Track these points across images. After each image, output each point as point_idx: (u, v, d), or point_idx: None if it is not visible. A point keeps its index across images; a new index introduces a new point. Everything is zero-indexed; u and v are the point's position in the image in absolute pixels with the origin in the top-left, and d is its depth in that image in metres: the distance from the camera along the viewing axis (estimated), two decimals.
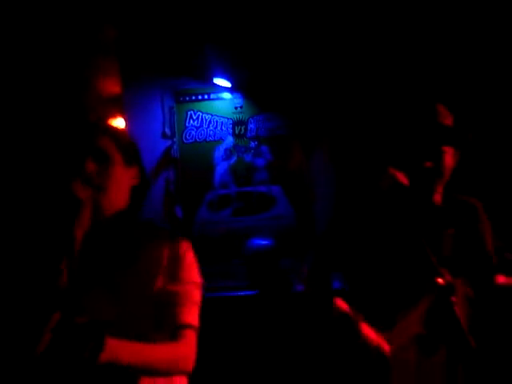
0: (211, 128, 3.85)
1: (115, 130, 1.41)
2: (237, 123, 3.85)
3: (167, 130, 3.80)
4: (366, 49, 3.50)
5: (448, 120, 1.52)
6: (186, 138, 3.84)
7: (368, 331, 1.43)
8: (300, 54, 3.65)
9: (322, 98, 3.75)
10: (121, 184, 1.34)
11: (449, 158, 1.50)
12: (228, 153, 3.83)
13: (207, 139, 3.85)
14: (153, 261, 1.33)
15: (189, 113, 3.85)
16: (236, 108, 3.85)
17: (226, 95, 3.84)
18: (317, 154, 3.79)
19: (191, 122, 3.85)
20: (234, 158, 3.83)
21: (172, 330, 1.30)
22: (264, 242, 3.40)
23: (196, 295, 1.38)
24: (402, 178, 1.36)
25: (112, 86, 2.34)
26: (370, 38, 3.45)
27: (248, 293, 3.29)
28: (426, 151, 1.48)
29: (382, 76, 3.48)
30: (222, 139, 3.85)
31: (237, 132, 3.84)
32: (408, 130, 1.52)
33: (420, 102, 1.56)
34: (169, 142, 3.78)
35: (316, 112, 3.76)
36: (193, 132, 3.85)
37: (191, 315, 1.35)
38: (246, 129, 3.84)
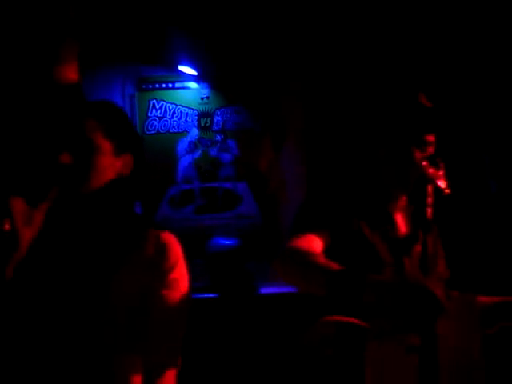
0: (175, 119, 3.75)
1: (107, 111, 1.31)
2: (202, 115, 3.75)
3: None
4: (340, 37, 3.48)
5: (429, 105, 1.52)
6: (147, 129, 3.72)
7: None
8: (271, 42, 3.60)
9: (293, 89, 3.71)
10: (105, 175, 1.25)
11: (431, 148, 1.49)
12: (192, 146, 3.75)
13: (171, 130, 3.74)
14: (137, 265, 1.25)
15: (151, 102, 3.73)
16: (202, 99, 3.75)
17: (192, 84, 3.73)
18: (286, 150, 3.76)
19: (154, 111, 3.72)
20: (199, 152, 3.74)
21: (153, 367, 1.24)
22: (228, 242, 3.36)
23: (182, 326, 1.33)
24: None
25: (69, 72, 2.24)
26: (345, 24, 3.43)
27: (209, 295, 3.25)
28: (412, 141, 1.46)
29: (356, 66, 3.48)
30: (186, 131, 3.74)
31: (202, 124, 3.75)
32: (387, 120, 1.51)
33: (400, 90, 1.55)
34: None
35: (287, 105, 3.73)
36: (155, 122, 3.74)
37: (175, 357, 1.28)
38: (212, 121, 3.75)
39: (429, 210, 1.36)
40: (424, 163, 1.38)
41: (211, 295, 3.21)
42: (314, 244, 1.45)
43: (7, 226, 1.12)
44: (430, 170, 1.37)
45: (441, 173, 1.38)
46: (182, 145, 3.74)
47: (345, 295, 1.19)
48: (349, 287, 1.18)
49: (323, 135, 3.58)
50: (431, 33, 3.30)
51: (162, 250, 1.28)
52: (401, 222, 1.54)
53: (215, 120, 3.76)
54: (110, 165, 1.25)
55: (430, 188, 1.33)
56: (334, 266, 1.26)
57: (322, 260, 1.33)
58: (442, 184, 1.32)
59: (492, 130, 3.21)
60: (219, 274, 3.26)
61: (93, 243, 1.24)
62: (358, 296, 1.17)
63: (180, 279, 1.30)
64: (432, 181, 1.33)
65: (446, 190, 1.33)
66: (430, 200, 1.35)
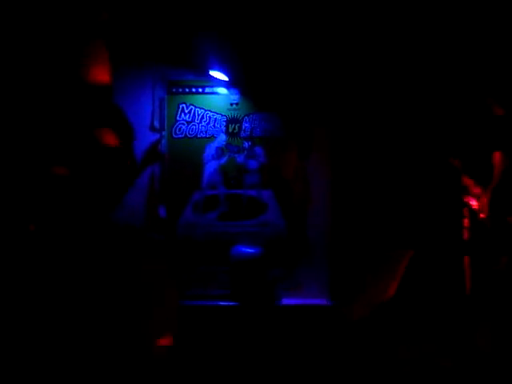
0: (203, 124, 3.78)
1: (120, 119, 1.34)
2: (231, 121, 3.78)
3: (156, 123, 3.74)
4: (367, 50, 3.48)
5: (499, 112, 1.46)
6: (175, 133, 3.75)
7: None
8: (301, 53, 3.62)
9: (321, 99, 3.72)
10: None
11: (497, 156, 1.43)
12: (219, 152, 3.77)
13: (198, 135, 3.77)
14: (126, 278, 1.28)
15: (181, 106, 3.76)
16: (231, 104, 3.77)
17: (222, 90, 3.76)
18: (313, 159, 3.76)
19: (182, 115, 3.75)
20: (226, 158, 3.76)
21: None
22: (251, 251, 3.37)
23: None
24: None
25: (101, 74, 2.28)
26: (372, 37, 3.43)
27: (230, 303, 3.26)
28: (474, 151, 1.42)
29: (383, 77, 3.46)
30: (214, 136, 3.76)
31: (230, 130, 3.77)
32: (455, 127, 1.47)
33: (464, 95, 1.51)
34: (157, 136, 3.72)
35: (315, 114, 3.74)
36: (183, 127, 3.78)
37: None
38: (240, 127, 3.77)
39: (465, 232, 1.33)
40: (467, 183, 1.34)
41: (232, 303, 3.21)
42: None
43: (32, 227, 1.16)
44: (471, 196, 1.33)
45: (478, 195, 1.36)
46: (209, 150, 3.76)
47: None
48: None
49: (349, 145, 3.57)
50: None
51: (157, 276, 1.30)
52: None
53: (243, 126, 3.77)
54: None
55: (466, 210, 1.31)
56: None
57: None
58: (474, 204, 1.30)
59: None
60: (241, 282, 3.26)
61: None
62: None
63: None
64: (468, 204, 1.31)
65: (481, 214, 1.30)
66: (466, 222, 1.32)
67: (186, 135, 3.77)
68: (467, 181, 1.35)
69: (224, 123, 3.77)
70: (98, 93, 1.99)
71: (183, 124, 3.77)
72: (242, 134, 3.77)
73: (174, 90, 3.77)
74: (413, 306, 1.42)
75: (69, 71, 1.92)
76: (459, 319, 1.25)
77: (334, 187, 3.67)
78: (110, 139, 1.28)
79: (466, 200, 1.32)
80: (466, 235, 1.29)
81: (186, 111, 3.77)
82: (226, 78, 3.71)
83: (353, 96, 3.60)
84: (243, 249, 3.38)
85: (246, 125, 3.77)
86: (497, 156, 1.44)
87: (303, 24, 3.51)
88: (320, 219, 3.62)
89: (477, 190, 1.37)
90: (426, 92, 3.08)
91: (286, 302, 3.38)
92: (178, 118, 3.77)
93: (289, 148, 3.77)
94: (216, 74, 3.68)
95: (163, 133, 3.74)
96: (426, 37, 3.35)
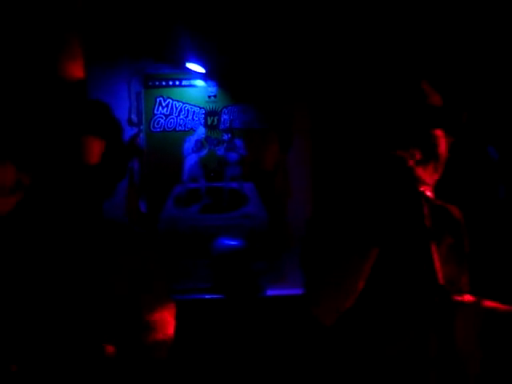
0: (182, 117, 3.77)
1: (99, 110, 1.34)
2: (209, 113, 3.77)
3: (133, 117, 3.72)
4: (346, 33, 3.49)
5: (436, 99, 1.48)
6: (153, 127, 3.73)
7: None
8: (279, 40, 3.62)
9: (300, 89, 3.73)
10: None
11: (442, 143, 1.44)
12: (199, 144, 3.77)
13: (177, 129, 3.76)
14: (117, 271, 1.28)
15: (158, 99, 3.74)
16: (209, 97, 3.77)
17: (199, 82, 3.74)
18: (293, 151, 3.78)
19: (160, 109, 3.74)
20: (205, 151, 3.75)
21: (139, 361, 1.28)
22: (233, 243, 3.38)
23: (171, 327, 1.36)
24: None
25: (75, 69, 2.26)
26: (351, 19, 3.44)
27: (213, 296, 3.27)
28: (415, 137, 1.42)
29: (363, 62, 3.48)
30: (193, 129, 3.75)
31: (209, 123, 3.76)
32: (392, 115, 1.47)
33: (402, 82, 1.52)
34: (135, 130, 3.71)
35: (294, 105, 3.75)
36: (161, 120, 3.76)
37: (163, 350, 1.33)
38: (219, 120, 3.76)
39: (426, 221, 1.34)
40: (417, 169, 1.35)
41: (216, 296, 3.23)
42: None
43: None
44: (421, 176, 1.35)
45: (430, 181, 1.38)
46: (189, 143, 3.76)
47: None
48: None
49: (330, 135, 3.59)
50: (438, 24, 3.30)
51: (146, 269, 1.31)
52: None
53: (222, 119, 3.77)
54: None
55: (422, 198, 1.32)
56: None
57: None
58: (429, 193, 1.31)
59: (501, 132, 3.21)
60: (224, 274, 3.27)
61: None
62: None
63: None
64: (421, 191, 1.32)
65: (435, 201, 1.33)
66: (425, 210, 1.33)
67: (164, 129, 3.76)
68: (419, 171, 1.37)
69: (202, 116, 3.76)
70: (72, 88, 1.98)
71: (161, 118, 3.76)
72: (221, 126, 3.77)
73: (150, 83, 3.75)
74: (386, 301, 1.44)
75: (41, 66, 1.91)
76: (436, 309, 1.27)
77: (314, 179, 3.69)
78: (95, 145, 1.27)
79: (421, 189, 1.33)
80: (427, 222, 1.30)
81: (164, 104, 3.76)
82: (202, 70, 3.69)
83: (332, 86, 3.61)
84: (226, 241, 3.39)
85: (224, 117, 3.77)
86: (441, 143, 1.46)
87: (278, 11, 3.50)
88: (300, 211, 3.64)
89: (428, 180, 1.39)
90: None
91: (270, 293, 3.40)
92: (155, 112, 3.75)
93: (269, 140, 3.78)
94: (193, 66, 3.67)
95: (141, 127, 3.73)
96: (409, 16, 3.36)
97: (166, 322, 1.36)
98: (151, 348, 1.32)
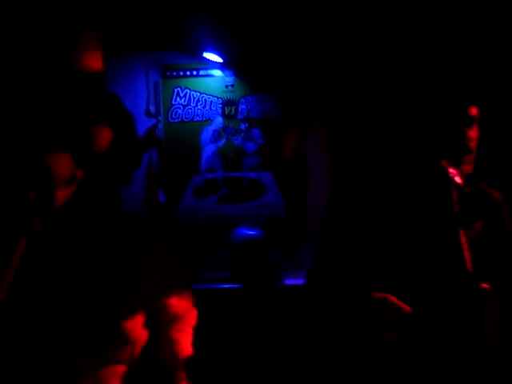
0: (199, 107, 3.78)
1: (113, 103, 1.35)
2: (227, 103, 3.78)
3: (152, 108, 3.74)
4: (369, 26, 3.46)
5: (474, 111, 1.53)
6: (171, 117, 3.75)
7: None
8: (298, 29, 3.60)
9: (318, 77, 3.71)
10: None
11: (475, 132, 1.49)
12: (217, 135, 3.78)
13: (195, 119, 3.77)
14: (142, 267, 1.29)
15: (175, 90, 3.76)
16: (227, 86, 3.77)
17: (217, 72, 3.75)
18: (311, 139, 3.77)
19: (178, 99, 3.76)
20: (223, 141, 3.77)
21: (168, 358, 1.29)
22: (251, 233, 3.40)
23: (195, 314, 1.38)
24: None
25: (92, 61, 2.27)
26: (374, 14, 3.41)
27: (231, 286, 3.30)
28: (451, 131, 1.47)
29: (385, 54, 3.45)
30: (210, 119, 3.77)
31: (227, 112, 3.76)
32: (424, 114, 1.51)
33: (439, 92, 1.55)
34: (153, 121, 3.74)
35: (312, 93, 3.73)
36: (179, 111, 3.78)
37: (189, 346, 1.35)
38: (236, 109, 3.77)
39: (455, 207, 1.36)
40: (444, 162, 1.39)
41: (234, 286, 3.25)
42: None
43: (32, 196, 1.14)
44: (450, 169, 1.38)
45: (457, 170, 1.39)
46: (206, 134, 3.78)
47: None
48: None
49: (349, 124, 3.57)
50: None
51: (170, 265, 1.32)
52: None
53: (240, 108, 3.78)
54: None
55: (452, 185, 1.34)
56: None
57: None
58: (458, 180, 1.33)
59: None
60: (242, 264, 3.30)
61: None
62: None
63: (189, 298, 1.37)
64: (451, 178, 1.34)
65: (466, 188, 1.34)
66: (454, 196, 1.35)
67: (182, 119, 3.78)
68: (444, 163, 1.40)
69: (220, 106, 3.78)
70: (91, 80, 2.00)
71: (179, 108, 3.78)
72: (239, 116, 3.78)
73: (168, 73, 3.76)
74: (414, 287, 1.45)
75: (59, 58, 1.93)
76: (464, 297, 1.28)
77: (333, 167, 3.67)
78: (107, 134, 1.28)
79: (450, 176, 1.35)
80: (456, 208, 1.31)
81: (182, 95, 3.77)
82: (220, 60, 3.70)
83: (351, 73, 3.58)
84: (244, 231, 3.42)
85: (242, 107, 3.78)
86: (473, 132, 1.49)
87: (298, 1, 3.49)
88: (320, 199, 3.64)
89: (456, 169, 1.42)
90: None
91: (288, 282, 3.42)
92: (173, 102, 3.78)
93: (287, 128, 3.77)
94: (210, 55, 3.67)
95: (159, 118, 3.75)
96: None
97: (191, 314, 1.38)
98: (178, 342, 1.33)
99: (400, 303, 1.42)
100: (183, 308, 1.34)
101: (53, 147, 1.20)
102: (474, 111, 1.53)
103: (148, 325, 1.28)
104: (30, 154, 1.21)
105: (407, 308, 1.42)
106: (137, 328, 1.24)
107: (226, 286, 3.24)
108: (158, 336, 1.32)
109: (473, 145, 1.52)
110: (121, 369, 1.23)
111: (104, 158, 1.23)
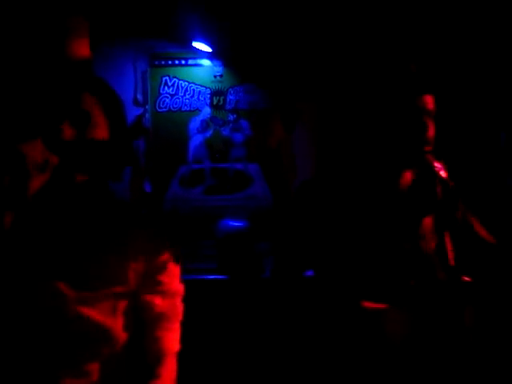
0: (187, 97, 3.76)
1: (104, 89, 1.33)
2: (215, 93, 3.77)
3: (139, 97, 3.72)
4: (351, 20, 3.47)
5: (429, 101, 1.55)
6: (159, 107, 3.74)
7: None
8: (285, 20, 3.60)
9: (306, 70, 3.71)
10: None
11: (431, 126, 1.52)
12: (204, 125, 3.77)
13: (182, 109, 3.76)
14: (129, 253, 1.28)
15: (164, 79, 3.74)
16: (215, 77, 3.76)
17: (206, 62, 3.73)
18: (298, 131, 3.77)
19: (166, 88, 3.74)
20: (211, 131, 3.76)
21: (152, 355, 1.28)
22: (237, 224, 3.40)
23: (180, 311, 1.37)
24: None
25: (81, 48, 2.26)
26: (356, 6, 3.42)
27: (218, 277, 3.30)
28: (412, 122, 1.49)
29: (365, 48, 3.47)
30: (198, 109, 3.75)
31: (215, 103, 3.76)
32: (388, 102, 1.53)
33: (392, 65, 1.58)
34: (140, 110, 3.72)
35: (300, 85, 3.74)
36: (167, 100, 3.76)
37: (175, 340, 1.33)
38: (224, 100, 3.76)
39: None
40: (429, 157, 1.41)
41: (220, 277, 3.26)
42: None
43: (6, 182, 1.14)
44: (435, 163, 1.40)
45: (442, 165, 1.41)
46: (194, 124, 3.76)
47: None
48: None
49: (334, 116, 3.59)
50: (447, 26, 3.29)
51: (161, 257, 1.32)
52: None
53: (228, 99, 3.77)
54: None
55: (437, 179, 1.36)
56: None
57: None
58: (443, 174, 1.35)
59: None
60: (228, 255, 3.30)
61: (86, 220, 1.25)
62: None
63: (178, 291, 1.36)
64: (436, 172, 1.36)
65: (450, 183, 1.36)
66: (438, 190, 1.37)
67: (169, 109, 3.76)
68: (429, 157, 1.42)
69: (208, 96, 3.76)
70: (78, 67, 1.98)
71: (167, 97, 3.76)
72: (227, 106, 3.77)
73: (156, 62, 3.73)
74: (395, 280, 1.47)
75: (47, 44, 1.91)
76: (447, 289, 1.30)
77: (319, 159, 3.69)
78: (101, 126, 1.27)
79: (436, 170, 1.38)
80: (440, 202, 1.34)
81: (170, 84, 3.75)
82: (209, 50, 3.68)
83: (338, 66, 3.59)
84: (230, 222, 3.42)
85: (230, 97, 3.77)
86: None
87: None
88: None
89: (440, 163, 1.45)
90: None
91: (268, 274, 3.42)
92: (161, 92, 3.75)
93: (274, 120, 3.77)
94: (199, 45, 3.65)
95: (147, 107, 3.73)
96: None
97: (177, 311, 1.37)
98: (163, 340, 1.32)
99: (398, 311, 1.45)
100: (167, 306, 1.32)
101: (27, 134, 1.19)
102: (429, 101, 1.54)
103: (131, 324, 1.27)
104: (4, 140, 1.20)
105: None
106: (118, 327, 1.23)
107: (212, 276, 3.25)
108: (144, 333, 1.31)
109: (430, 136, 1.52)
110: (102, 362, 1.22)
111: (79, 146, 1.21)
